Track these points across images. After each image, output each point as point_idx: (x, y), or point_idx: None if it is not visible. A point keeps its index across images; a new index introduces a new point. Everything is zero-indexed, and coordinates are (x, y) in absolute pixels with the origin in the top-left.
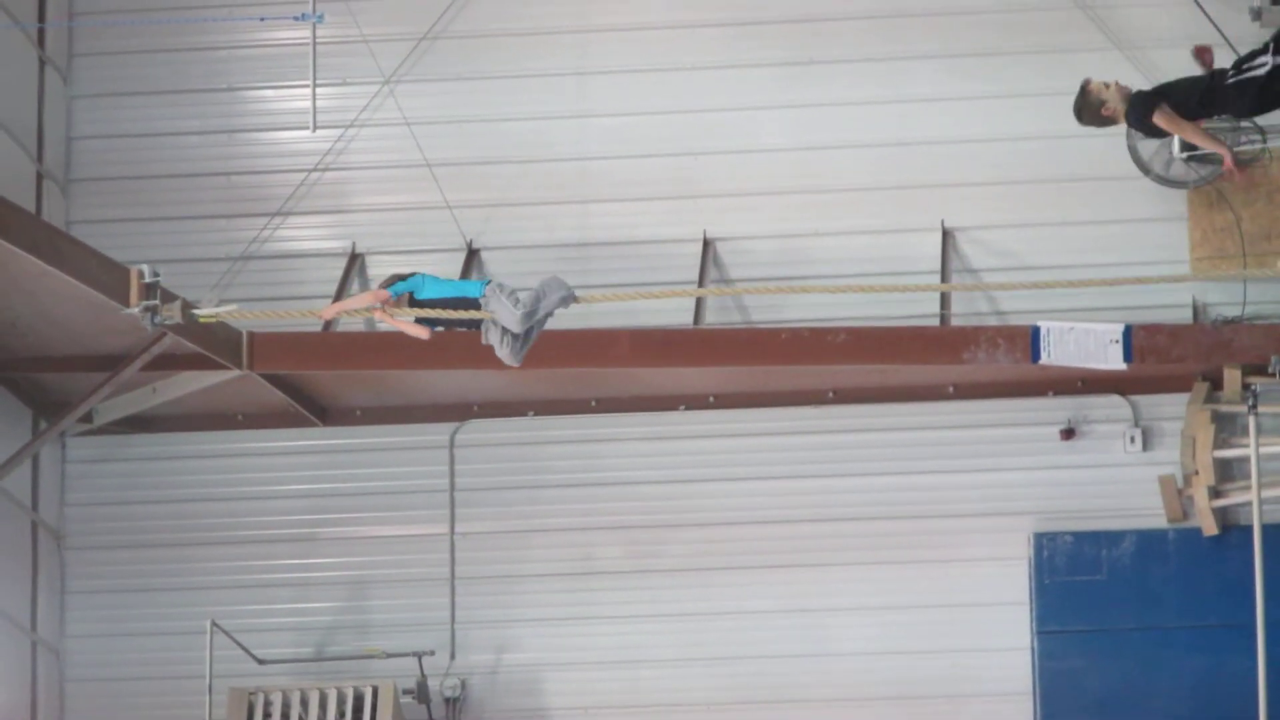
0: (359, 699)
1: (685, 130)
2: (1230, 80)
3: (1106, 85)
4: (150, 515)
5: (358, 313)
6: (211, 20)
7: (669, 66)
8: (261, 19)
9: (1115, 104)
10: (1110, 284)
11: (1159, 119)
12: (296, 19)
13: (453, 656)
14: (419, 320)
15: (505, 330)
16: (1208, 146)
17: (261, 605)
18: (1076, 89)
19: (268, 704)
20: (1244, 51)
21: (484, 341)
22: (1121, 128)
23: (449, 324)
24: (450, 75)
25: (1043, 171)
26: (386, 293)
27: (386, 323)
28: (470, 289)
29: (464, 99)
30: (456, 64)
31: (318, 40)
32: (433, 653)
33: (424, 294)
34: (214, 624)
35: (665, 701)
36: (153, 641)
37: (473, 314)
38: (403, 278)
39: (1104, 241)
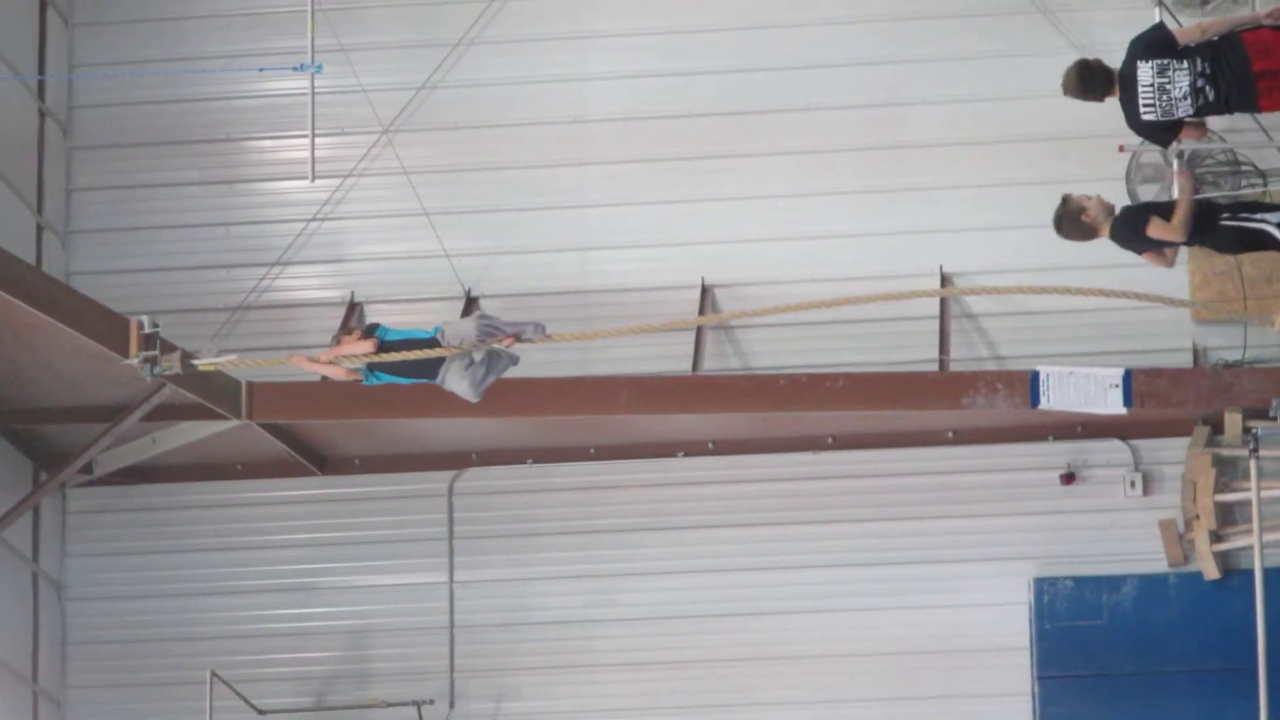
0: None
1: (682, 177)
2: (1227, 222)
3: (1088, 197)
4: (150, 565)
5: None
6: (210, 71)
7: (665, 114)
8: (260, 70)
9: (1096, 214)
10: (1109, 295)
11: (1155, 230)
12: (295, 70)
13: (452, 705)
14: (380, 369)
15: (467, 364)
16: (1160, 263)
17: (261, 655)
18: (1075, 124)
19: None
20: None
21: (443, 383)
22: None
23: (407, 372)
24: (448, 124)
25: (1041, 216)
26: (358, 341)
27: (316, 370)
28: (423, 333)
29: (462, 147)
30: (454, 113)
31: (316, 90)
32: (432, 702)
33: (386, 336)
34: (214, 674)
35: None
36: (153, 692)
37: (433, 351)
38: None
39: (1103, 285)
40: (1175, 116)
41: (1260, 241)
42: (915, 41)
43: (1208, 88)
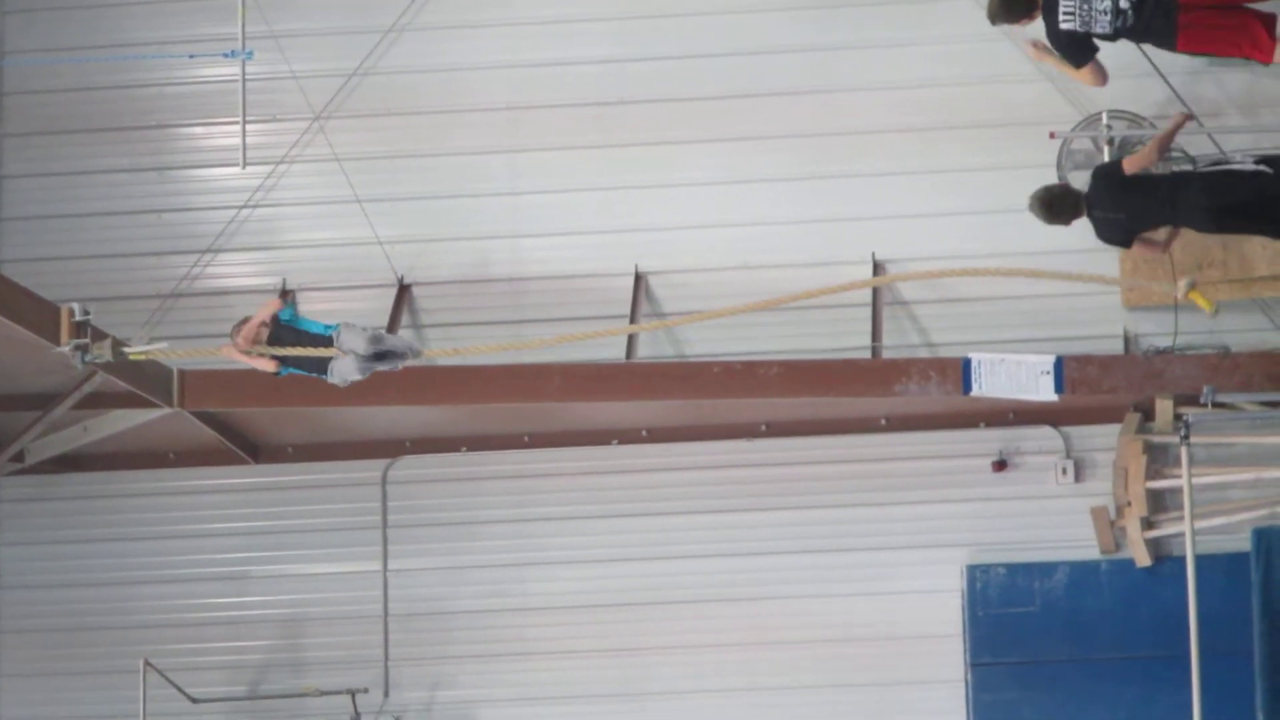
0: None
1: (616, 164)
2: (1204, 170)
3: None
4: (83, 554)
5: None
6: (141, 58)
7: (600, 100)
8: (191, 56)
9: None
10: (1038, 275)
11: (1129, 162)
12: (226, 56)
13: (386, 694)
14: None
15: (351, 351)
16: (1156, 251)
17: (195, 644)
18: (1004, 111)
19: None
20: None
21: (331, 379)
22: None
23: (300, 364)
24: (380, 111)
25: (973, 203)
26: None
27: (236, 358)
28: (314, 325)
29: (395, 135)
30: (386, 99)
31: (247, 77)
32: (366, 690)
33: (285, 318)
34: (147, 663)
35: None
36: (87, 681)
37: (324, 351)
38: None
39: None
40: (1093, 30)
41: (1233, 203)
42: (847, 27)
43: (1130, 10)
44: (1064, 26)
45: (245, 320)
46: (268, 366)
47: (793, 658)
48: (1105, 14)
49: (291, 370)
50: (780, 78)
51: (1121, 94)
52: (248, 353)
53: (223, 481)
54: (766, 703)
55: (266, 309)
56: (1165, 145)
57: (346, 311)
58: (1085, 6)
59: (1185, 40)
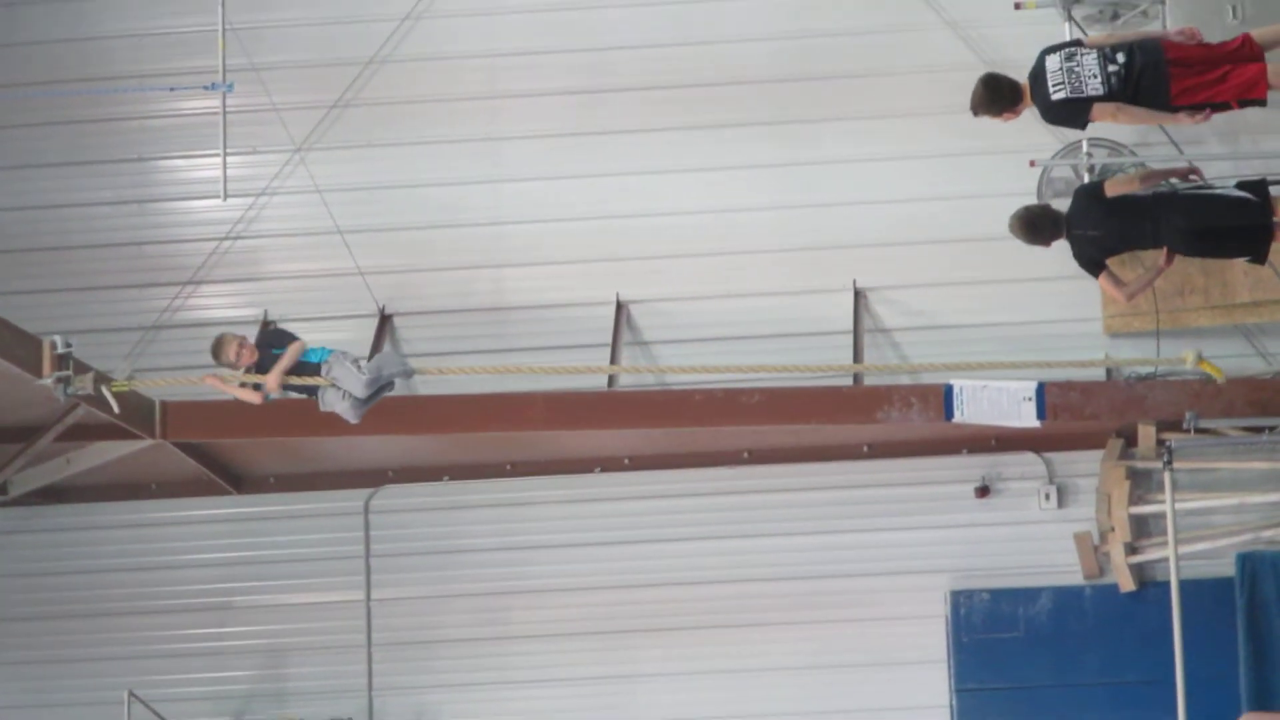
0: None
1: (597, 194)
2: (1185, 192)
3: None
4: (66, 586)
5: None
6: (122, 91)
7: (579, 131)
8: (172, 89)
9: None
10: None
11: (1112, 186)
12: (207, 88)
13: None
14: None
15: (347, 393)
16: (1119, 296)
17: (178, 675)
18: (985, 140)
19: None
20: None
21: (323, 408)
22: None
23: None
24: (361, 142)
25: (954, 231)
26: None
27: (217, 387)
28: (311, 354)
29: (375, 165)
30: (367, 131)
31: (228, 109)
32: None
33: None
34: (132, 694)
35: None
36: (72, 713)
37: (312, 380)
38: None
39: (1016, 299)
40: (1085, 94)
41: (1214, 227)
42: (827, 59)
43: (1120, 72)
44: (1056, 97)
45: (226, 344)
46: (252, 397)
47: (778, 684)
48: (1095, 77)
49: (287, 393)
50: (760, 110)
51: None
52: (226, 380)
53: (205, 512)
54: None
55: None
56: (1155, 180)
57: (330, 341)
58: (1073, 75)
59: (1179, 89)
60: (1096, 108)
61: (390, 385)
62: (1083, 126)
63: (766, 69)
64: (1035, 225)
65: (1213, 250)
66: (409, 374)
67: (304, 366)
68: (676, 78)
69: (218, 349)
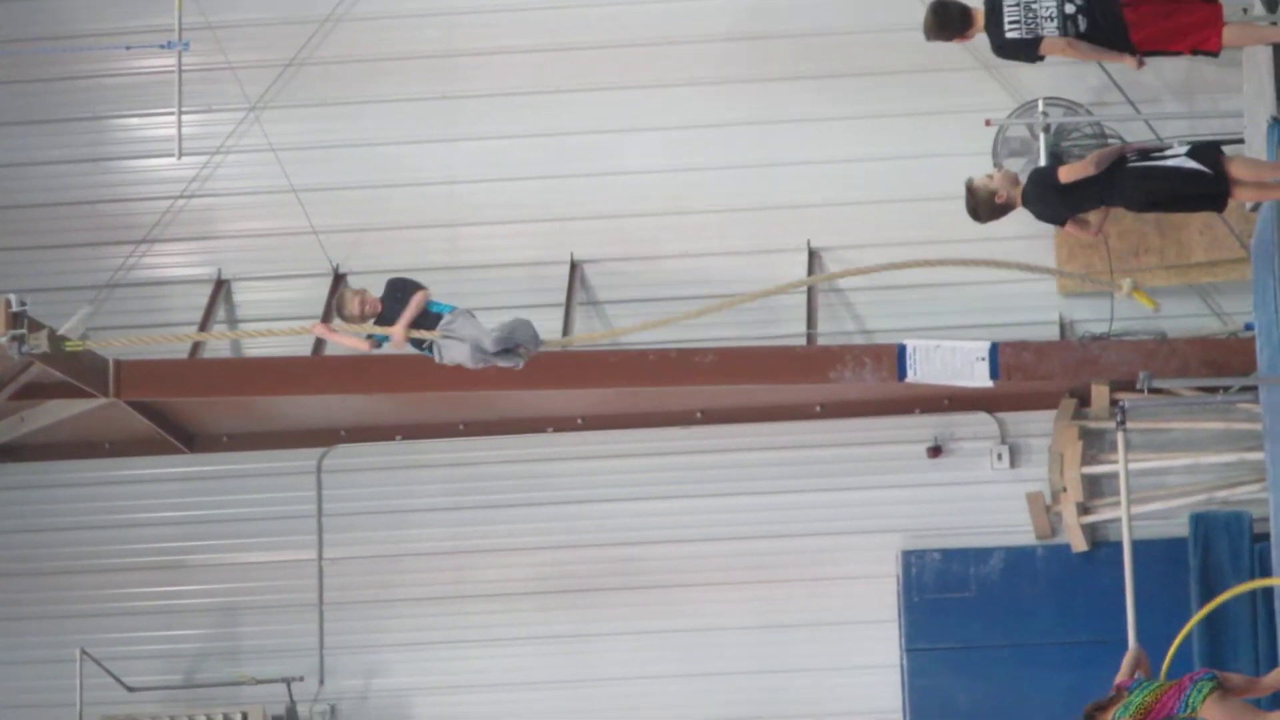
0: None
1: (552, 153)
2: (1134, 163)
3: (990, 177)
4: (19, 544)
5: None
6: (77, 50)
7: (535, 89)
8: (127, 47)
9: (1005, 189)
10: (971, 264)
11: (1065, 173)
12: (162, 47)
13: (321, 682)
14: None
15: (474, 350)
16: (1086, 234)
17: (130, 633)
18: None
19: None
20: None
21: (442, 359)
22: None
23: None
24: (315, 101)
25: (908, 191)
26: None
27: (326, 336)
28: (432, 306)
29: (330, 124)
30: (322, 89)
31: (183, 67)
32: (302, 679)
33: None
34: (84, 652)
35: None
36: (22, 670)
37: (429, 334)
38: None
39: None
40: (1039, 34)
41: (1169, 194)
42: (785, 16)
43: (1080, 17)
44: (1010, 35)
45: (348, 299)
46: (363, 346)
47: (730, 643)
48: (1051, 19)
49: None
50: (713, 67)
51: (1058, 81)
52: (336, 330)
53: (158, 471)
54: (702, 688)
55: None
56: (1108, 160)
57: (282, 301)
58: (1029, 14)
59: (1138, 37)
60: (1047, 42)
61: (516, 353)
62: (1034, 60)
63: (722, 28)
64: (944, 18)
65: (1171, 210)
66: (538, 343)
67: (425, 318)
68: (632, 36)
69: (341, 305)
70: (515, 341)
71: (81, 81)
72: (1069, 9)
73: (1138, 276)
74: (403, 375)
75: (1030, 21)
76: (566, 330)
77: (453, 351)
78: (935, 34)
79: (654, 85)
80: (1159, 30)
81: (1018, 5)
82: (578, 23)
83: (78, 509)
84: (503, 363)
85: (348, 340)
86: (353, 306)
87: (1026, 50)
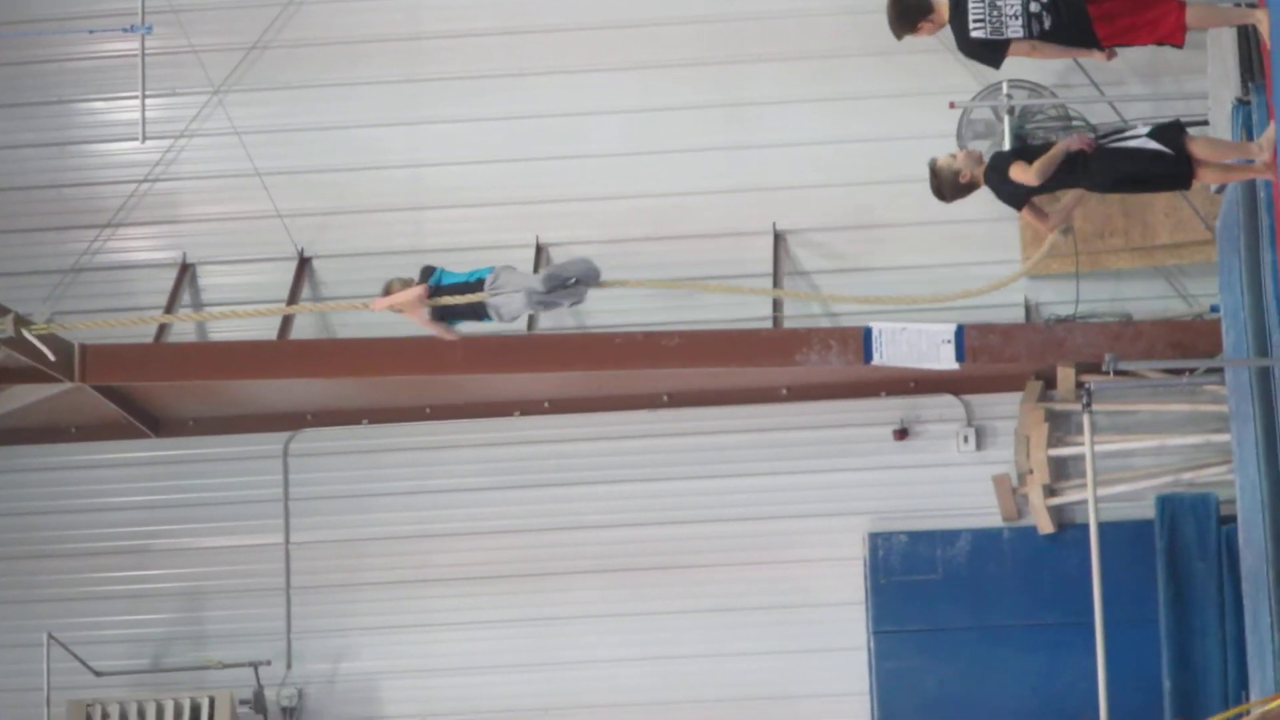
0: (196, 710)
1: (518, 136)
2: (1098, 146)
3: (953, 156)
4: None
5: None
6: (40, 34)
7: (500, 73)
8: (91, 31)
9: (969, 168)
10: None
11: (1015, 171)
12: (125, 30)
13: (289, 666)
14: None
15: (528, 296)
16: (1042, 225)
17: (97, 617)
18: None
19: (105, 716)
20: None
21: (502, 318)
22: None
23: (457, 314)
24: (280, 84)
25: (873, 174)
26: (425, 287)
27: (419, 323)
28: (471, 275)
29: (294, 108)
30: (286, 73)
31: (147, 51)
32: (269, 663)
33: (442, 281)
34: (50, 636)
35: (501, 708)
36: None
37: (477, 296)
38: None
39: (935, 242)
40: (1004, 35)
41: (1134, 174)
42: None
43: (1045, 14)
44: (975, 35)
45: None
46: (447, 335)
47: (696, 626)
48: (1016, 19)
49: (456, 322)
50: (682, 49)
51: (1022, 63)
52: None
53: (124, 455)
54: (669, 671)
55: (414, 299)
56: (1049, 171)
57: (248, 285)
58: (994, 13)
59: (1105, 34)
60: (1013, 46)
61: (573, 289)
62: (998, 65)
63: (688, 10)
64: (903, 7)
65: (1135, 191)
66: (596, 276)
67: (466, 287)
68: (598, 19)
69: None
70: (568, 276)
71: (45, 66)
72: (1034, 7)
73: (1103, 259)
74: (369, 359)
75: (995, 20)
76: (533, 316)
77: (510, 305)
78: (898, 25)
79: (620, 68)
80: (1124, 25)
81: (983, 3)
82: (543, 6)
83: (44, 494)
84: (566, 301)
85: (419, 317)
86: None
87: (992, 53)
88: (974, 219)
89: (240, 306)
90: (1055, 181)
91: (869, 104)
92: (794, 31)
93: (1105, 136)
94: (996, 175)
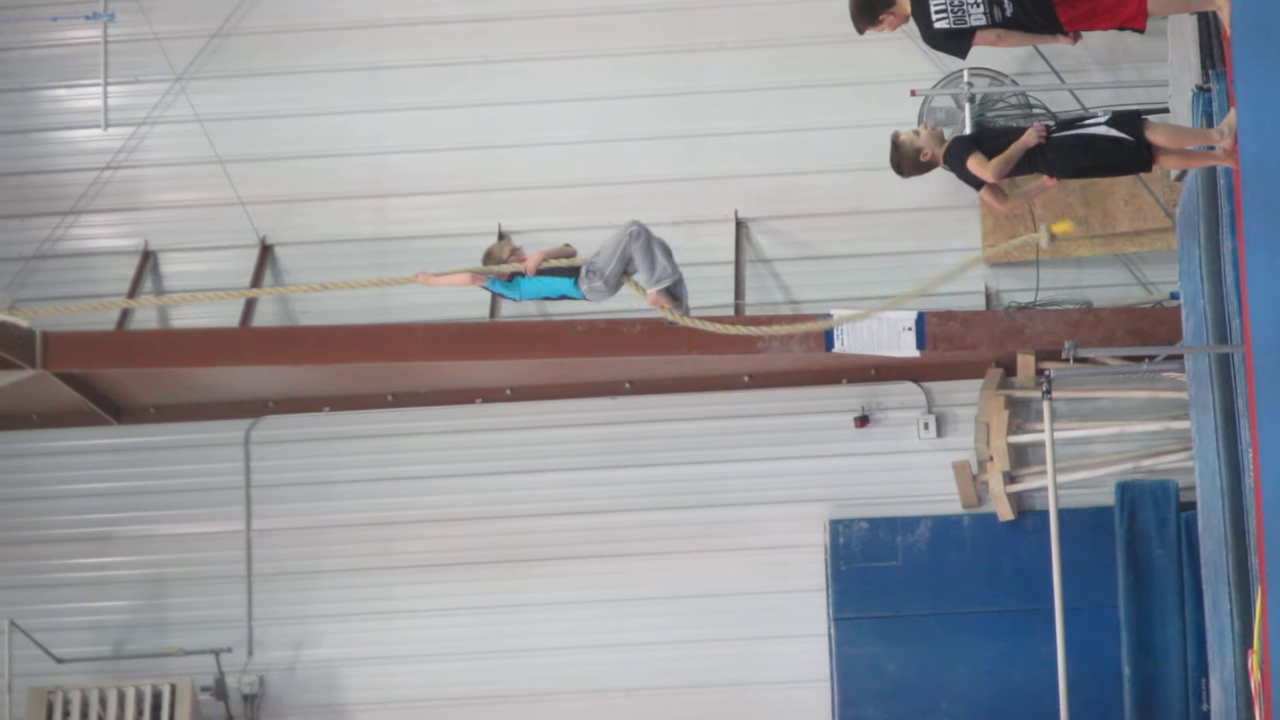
0: (157, 697)
1: (480, 123)
2: (1057, 134)
3: (916, 132)
4: None
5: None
6: (3, 21)
7: (463, 60)
8: (53, 19)
9: (930, 147)
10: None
11: (972, 164)
12: (88, 18)
13: (250, 653)
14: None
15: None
16: (999, 207)
17: (59, 604)
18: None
19: (67, 703)
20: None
21: (601, 294)
22: None
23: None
24: (242, 72)
25: (835, 161)
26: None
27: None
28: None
29: (257, 95)
30: (249, 60)
31: (109, 39)
32: (230, 649)
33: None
34: (12, 623)
35: (463, 695)
36: None
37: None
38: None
39: (897, 229)
40: (968, 24)
41: (1093, 160)
42: None
43: (1006, 1)
44: (938, 26)
45: (500, 247)
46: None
47: (658, 612)
48: (978, 6)
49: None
50: (641, 37)
51: (983, 51)
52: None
53: (86, 443)
54: (628, 658)
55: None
56: (1004, 171)
57: (210, 272)
58: (956, 2)
59: (1068, 18)
60: (978, 36)
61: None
62: (964, 55)
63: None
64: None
65: (1095, 176)
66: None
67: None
68: (559, 7)
69: (488, 256)
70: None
71: (7, 53)
72: None
73: (1063, 246)
74: (331, 346)
75: (957, 10)
76: (495, 302)
77: (611, 266)
78: (860, 19)
79: (581, 56)
80: (1086, 9)
81: None
82: None
83: (5, 480)
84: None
85: (445, 281)
86: (503, 252)
87: (957, 43)
88: (937, 206)
89: (202, 292)
90: (1014, 169)
91: (830, 92)
92: (755, 19)
93: (1065, 124)
94: (954, 161)
